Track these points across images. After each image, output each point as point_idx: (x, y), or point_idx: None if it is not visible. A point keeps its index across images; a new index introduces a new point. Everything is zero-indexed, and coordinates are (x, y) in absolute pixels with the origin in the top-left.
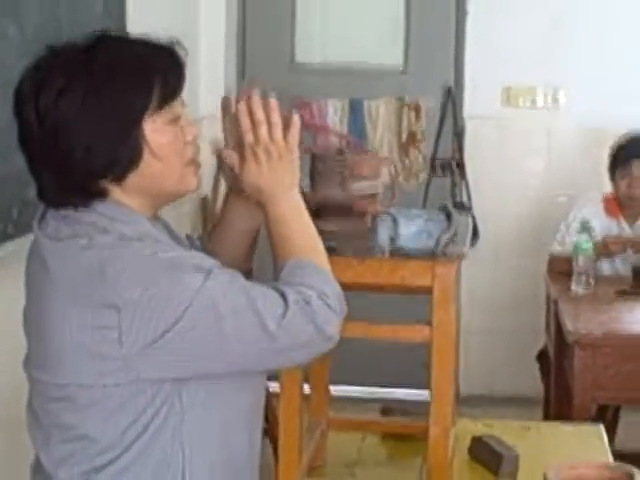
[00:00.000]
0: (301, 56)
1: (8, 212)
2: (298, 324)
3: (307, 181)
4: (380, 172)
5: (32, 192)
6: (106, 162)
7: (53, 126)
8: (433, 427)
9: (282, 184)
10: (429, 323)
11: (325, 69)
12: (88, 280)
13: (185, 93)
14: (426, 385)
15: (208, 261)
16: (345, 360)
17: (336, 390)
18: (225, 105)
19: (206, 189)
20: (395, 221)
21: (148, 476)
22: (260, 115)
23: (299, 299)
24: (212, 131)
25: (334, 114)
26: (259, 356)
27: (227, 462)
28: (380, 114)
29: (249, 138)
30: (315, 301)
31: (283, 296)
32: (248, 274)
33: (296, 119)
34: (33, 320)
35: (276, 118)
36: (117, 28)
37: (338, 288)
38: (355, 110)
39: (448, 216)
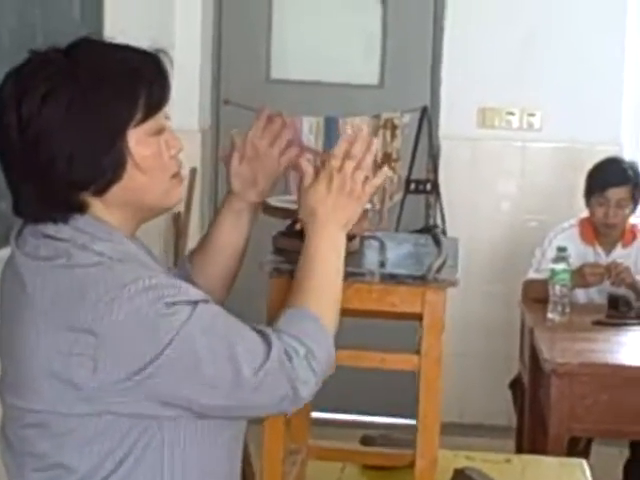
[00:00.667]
0: (277, 72)
1: None
2: (273, 378)
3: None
4: None
5: (5, 205)
6: (89, 173)
7: (35, 134)
8: (420, 459)
9: (338, 220)
10: (417, 351)
11: (300, 85)
12: (66, 301)
13: None
14: (408, 413)
15: (193, 292)
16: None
17: (317, 416)
18: (260, 113)
19: (178, 206)
20: (383, 245)
21: None
22: (358, 151)
23: (282, 353)
24: (185, 145)
25: (309, 131)
26: (229, 403)
27: None
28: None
29: (335, 163)
30: (298, 359)
31: (268, 345)
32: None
33: (384, 172)
34: (7, 341)
35: (369, 160)
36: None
37: (331, 353)
38: (330, 127)
39: (436, 241)
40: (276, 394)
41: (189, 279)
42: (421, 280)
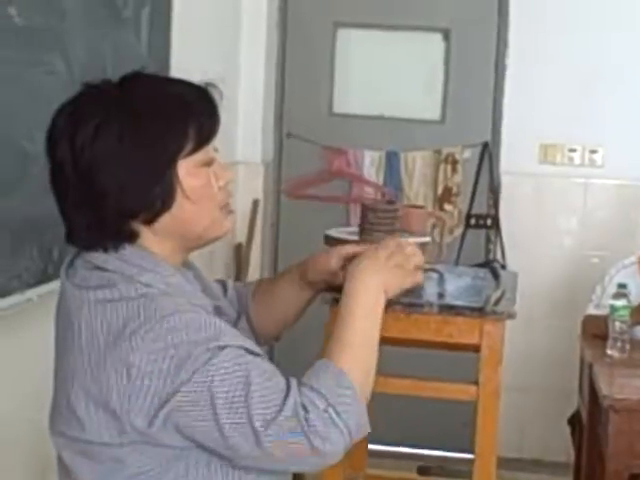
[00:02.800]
0: (339, 106)
1: (49, 253)
2: (287, 432)
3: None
4: (428, 226)
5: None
6: (139, 202)
7: (88, 164)
8: None
9: (382, 282)
10: (475, 382)
11: (362, 119)
12: (107, 334)
13: (222, 138)
14: (463, 447)
15: (227, 335)
16: (383, 418)
17: (373, 447)
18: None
19: (240, 236)
20: (442, 277)
21: None
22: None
23: (298, 406)
24: (248, 177)
25: (370, 165)
26: (249, 453)
27: None
28: (416, 166)
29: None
30: (317, 413)
31: (286, 396)
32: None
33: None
34: (59, 371)
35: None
36: (160, 70)
37: (360, 409)
38: (391, 161)
39: (494, 274)
40: (290, 448)
41: (242, 302)
42: (479, 312)
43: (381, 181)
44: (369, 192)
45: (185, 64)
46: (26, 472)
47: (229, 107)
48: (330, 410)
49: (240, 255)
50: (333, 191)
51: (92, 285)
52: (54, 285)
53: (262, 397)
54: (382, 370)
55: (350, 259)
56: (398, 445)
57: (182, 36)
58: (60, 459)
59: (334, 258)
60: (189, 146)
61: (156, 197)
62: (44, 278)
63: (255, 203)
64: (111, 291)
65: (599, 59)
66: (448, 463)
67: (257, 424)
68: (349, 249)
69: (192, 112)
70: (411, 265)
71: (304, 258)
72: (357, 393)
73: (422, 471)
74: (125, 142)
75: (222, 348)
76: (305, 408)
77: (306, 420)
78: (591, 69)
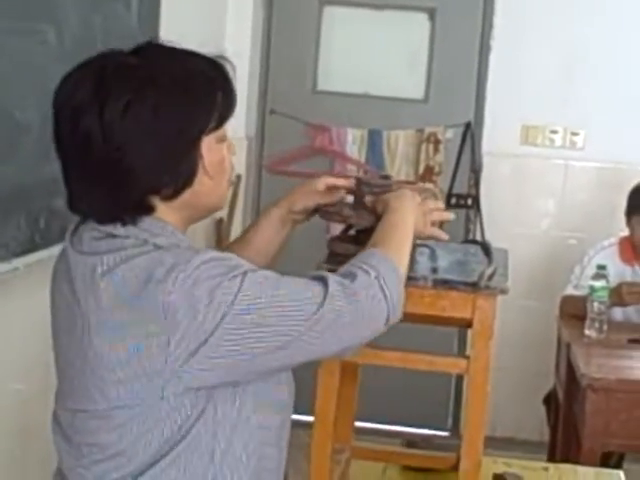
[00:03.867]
0: (323, 83)
1: (35, 222)
2: (338, 303)
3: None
4: None
5: (60, 202)
6: (166, 178)
7: (119, 139)
8: (464, 460)
9: (411, 211)
10: (466, 356)
11: (346, 97)
12: (129, 290)
13: None
14: (443, 426)
15: (241, 262)
16: (369, 396)
17: (359, 424)
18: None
19: (221, 212)
20: (434, 253)
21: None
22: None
23: (344, 279)
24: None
25: (353, 142)
26: (304, 341)
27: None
28: (399, 145)
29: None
30: (365, 277)
31: (323, 280)
32: None
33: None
34: (66, 349)
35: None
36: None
37: (401, 290)
38: (374, 140)
39: (486, 251)
40: (345, 318)
41: None
42: (472, 287)
43: (363, 159)
44: (351, 169)
45: (174, 37)
46: (8, 441)
47: None
48: (380, 278)
49: (221, 230)
50: (315, 168)
51: (102, 250)
52: (41, 254)
53: (303, 288)
54: (372, 343)
55: (332, 189)
56: (380, 423)
57: (170, 9)
58: (58, 423)
59: (320, 183)
60: (213, 123)
61: (183, 173)
62: (31, 247)
63: (237, 178)
64: (126, 252)
65: (583, 42)
66: (432, 439)
67: (310, 309)
68: (334, 179)
69: (217, 87)
70: (431, 218)
71: (279, 198)
72: (399, 271)
73: (408, 444)
74: (157, 118)
75: (245, 272)
76: (350, 276)
77: (352, 285)
78: (575, 52)
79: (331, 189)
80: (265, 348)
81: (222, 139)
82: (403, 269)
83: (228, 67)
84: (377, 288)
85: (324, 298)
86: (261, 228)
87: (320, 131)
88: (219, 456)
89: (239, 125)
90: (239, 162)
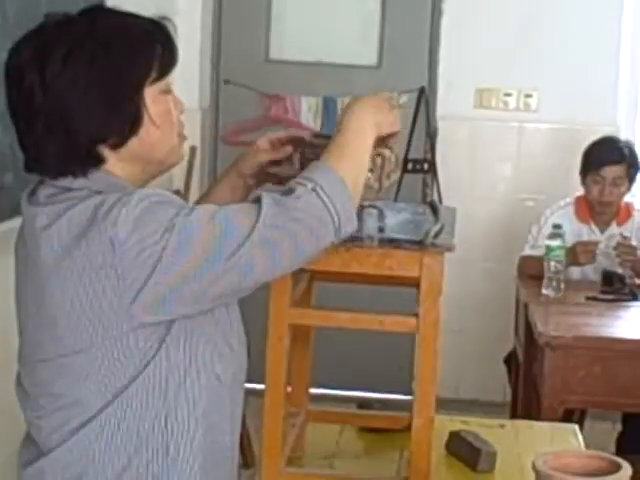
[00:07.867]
0: (276, 52)
1: None
2: (273, 219)
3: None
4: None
5: (9, 177)
6: (110, 127)
7: (59, 92)
8: (416, 417)
9: (372, 114)
10: (415, 314)
11: (299, 65)
12: (81, 225)
13: None
14: (402, 390)
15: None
16: (322, 361)
17: (312, 391)
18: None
19: (178, 183)
20: (382, 213)
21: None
22: None
23: (281, 196)
24: (186, 123)
25: (307, 110)
26: (247, 262)
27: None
28: None
29: None
30: (302, 189)
31: (259, 201)
32: None
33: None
34: (24, 304)
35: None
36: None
37: (347, 196)
38: (328, 107)
39: (433, 209)
40: (281, 231)
41: None
42: (419, 245)
43: (318, 127)
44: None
45: (120, 4)
46: None
47: None
48: (317, 188)
49: None
50: None
51: (60, 199)
52: None
53: (239, 209)
54: (322, 306)
55: (276, 145)
56: (336, 389)
57: None
58: (19, 383)
59: (262, 140)
60: (154, 73)
61: (126, 121)
62: None
63: (193, 150)
64: (72, 201)
65: (535, 4)
66: (386, 401)
67: (249, 223)
68: (275, 134)
69: (157, 40)
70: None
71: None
72: (347, 184)
73: (363, 406)
74: (95, 68)
75: (191, 208)
76: (285, 193)
77: (287, 199)
78: (526, 14)
79: (275, 145)
80: (212, 275)
81: (166, 91)
82: (352, 178)
83: (169, 25)
84: (315, 197)
85: (257, 217)
86: (212, 197)
87: (275, 100)
88: (172, 396)
89: (193, 96)
90: (194, 133)
